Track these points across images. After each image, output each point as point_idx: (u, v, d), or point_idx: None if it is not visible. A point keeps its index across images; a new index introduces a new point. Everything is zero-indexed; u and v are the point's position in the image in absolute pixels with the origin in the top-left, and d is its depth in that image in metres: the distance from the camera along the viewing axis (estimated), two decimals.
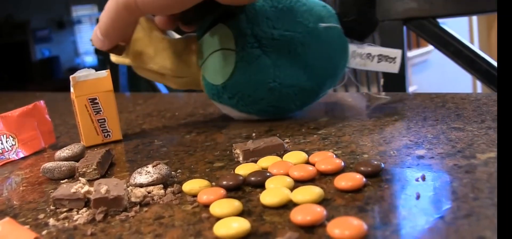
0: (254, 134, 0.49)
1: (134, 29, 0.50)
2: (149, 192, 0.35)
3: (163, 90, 1.07)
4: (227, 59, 0.51)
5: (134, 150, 0.49)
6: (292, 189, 0.32)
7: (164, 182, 0.37)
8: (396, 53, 0.53)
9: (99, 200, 0.33)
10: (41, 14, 4.52)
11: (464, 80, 2.82)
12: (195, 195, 0.34)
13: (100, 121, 0.52)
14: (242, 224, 0.28)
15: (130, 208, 0.33)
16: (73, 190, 0.35)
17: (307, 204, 0.29)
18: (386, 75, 0.84)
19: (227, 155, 0.43)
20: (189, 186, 0.35)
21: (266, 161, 0.38)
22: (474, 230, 0.25)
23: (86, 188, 0.35)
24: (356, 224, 0.26)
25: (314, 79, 0.52)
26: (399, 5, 0.82)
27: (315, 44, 0.51)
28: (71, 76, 0.51)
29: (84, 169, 0.41)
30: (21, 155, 0.51)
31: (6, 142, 0.51)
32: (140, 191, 0.35)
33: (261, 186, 0.34)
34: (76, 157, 0.46)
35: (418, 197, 0.30)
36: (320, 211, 0.28)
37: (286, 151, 0.42)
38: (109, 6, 0.46)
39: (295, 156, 0.39)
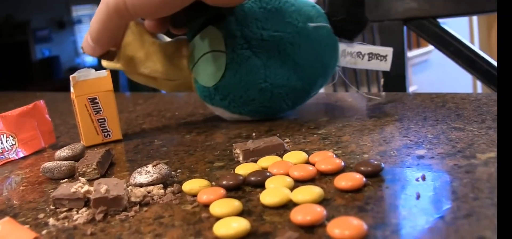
0: (254, 134, 0.49)
1: (124, 33, 0.51)
2: (149, 192, 0.35)
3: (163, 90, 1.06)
4: (217, 61, 0.51)
5: (134, 149, 0.49)
6: (292, 189, 0.32)
7: (164, 182, 0.37)
8: (387, 51, 0.53)
9: (99, 199, 0.33)
10: (41, 14, 4.52)
11: (464, 80, 2.82)
12: (195, 195, 0.34)
13: (100, 120, 0.52)
14: (242, 224, 0.28)
15: (130, 207, 0.33)
16: (73, 189, 0.35)
17: (307, 204, 0.29)
18: (386, 75, 0.84)
19: (227, 155, 0.43)
20: (189, 186, 0.35)
21: (266, 161, 0.38)
22: (474, 230, 0.25)
23: (86, 187, 0.35)
24: (356, 224, 0.26)
25: (305, 79, 0.52)
26: (399, 5, 0.82)
27: (305, 44, 0.52)
28: (71, 76, 0.51)
29: (84, 169, 0.41)
30: (21, 154, 0.51)
31: (6, 141, 0.51)
32: (140, 191, 0.35)
33: (261, 186, 0.34)
34: (76, 157, 0.46)
35: (418, 197, 0.30)
36: (320, 211, 0.28)
37: (286, 151, 0.42)
38: (99, 12, 0.46)
39: (295, 156, 0.38)
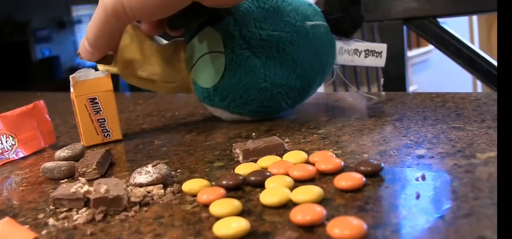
0: (254, 134, 0.49)
1: (121, 37, 0.50)
2: (149, 192, 0.35)
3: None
4: (216, 61, 0.51)
5: (134, 149, 0.49)
6: (292, 188, 0.32)
7: (164, 182, 0.37)
8: (382, 47, 0.53)
9: (98, 200, 0.33)
10: (41, 14, 4.52)
11: (464, 80, 2.82)
12: (195, 195, 0.34)
13: (100, 120, 0.52)
14: (242, 224, 0.28)
15: (129, 208, 0.33)
16: (72, 190, 0.35)
17: (307, 204, 0.29)
18: (386, 74, 0.84)
19: (227, 155, 0.43)
20: (189, 185, 0.35)
21: (266, 161, 0.38)
22: (474, 229, 0.25)
23: (86, 188, 0.35)
24: (356, 223, 0.26)
25: (304, 77, 0.53)
26: (399, 5, 0.82)
27: (303, 42, 0.52)
28: (71, 76, 0.51)
29: (84, 169, 0.41)
30: (21, 155, 0.51)
31: (6, 142, 0.51)
32: (139, 191, 0.35)
33: (261, 185, 0.34)
34: (76, 157, 0.45)
35: (418, 196, 0.30)
36: (320, 211, 0.28)
37: (286, 150, 0.42)
38: (97, 16, 0.46)
39: (295, 156, 0.38)
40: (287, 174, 0.35)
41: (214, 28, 0.51)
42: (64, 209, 0.34)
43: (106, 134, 0.52)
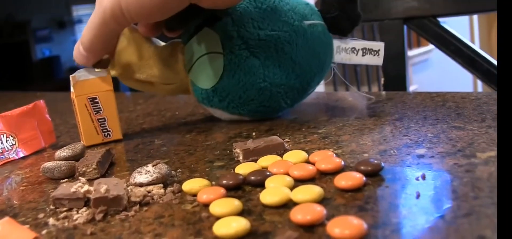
0: (254, 134, 0.49)
1: (117, 40, 0.50)
2: (149, 192, 0.35)
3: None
4: (215, 62, 0.51)
5: (134, 149, 0.49)
6: (292, 188, 0.32)
7: (164, 181, 0.37)
8: (379, 45, 0.54)
9: (99, 199, 0.33)
10: (42, 14, 4.52)
11: (464, 79, 2.82)
12: (195, 195, 0.34)
13: (100, 120, 0.51)
14: (242, 224, 0.28)
15: (130, 207, 0.33)
16: (73, 189, 0.35)
17: (307, 204, 0.29)
18: (387, 74, 0.84)
19: (227, 155, 0.43)
20: (189, 185, 0.35)
21: (266, 161, 0.38)
22: (474, 229, 0.25)
23: (86, 187, 0.35)
24: (356, 223, 0.26)
25: (303, 77, 0.53)
26: (399, 4, 0.82)
27: (301, 42, 0.52)
28: (71, 76, 0.51)
29: (84, 169, 0.41)
30: (21, 154, 0.51)
31: (6, 141, 0.51)
32: (140, 191, 0.35)
33: (261, 185, 0.34)
34: (76, 157, 0.45)
35: (418, 196, 0.30)
36: (320, 211, 0.28)
37: (286, 150, 0.42)
38: (94, 20, 0.46)
39: (295, 155, 0.38)
40: (287, 174, 0.35)
41: (212, 29, 0.51)
42: (64, 208, 0.34)
43: (106, 133, 0.52)
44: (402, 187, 0.32)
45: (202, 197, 0.32)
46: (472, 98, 0.52)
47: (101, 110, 0.51)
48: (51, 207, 0.35)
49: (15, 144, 0.51)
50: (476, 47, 0.79)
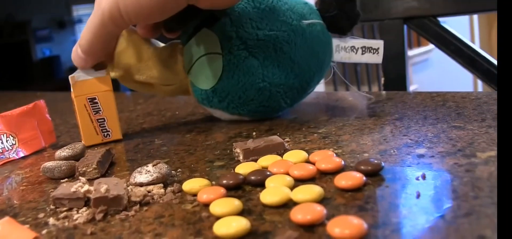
0: (254, 133, 0.49)
1: (116, 42, 0.50)
2: (149, 191, 0.35)
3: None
4: (214, 63, 0.51)
5: (135, 149, 0.49)
6: (292, 188, 0.32)
7: (164, 181, 0.37)
8: (378, 43, 0.54)
9: (99, 199, 0.33)
10: (42, 13, 4.52)
11: (464, 79, 2.82)
12: (195, 194, 0.34)
13: (99, 120, 0.51)
14: (242, 223, 0.28)
15: (130, 207, 0.33)
16: (73, 189, 0.35)
17: (307, 203, 0.29)
18: (387, 74, 0.84)
19: (227, 154, 0.43)
20: (189, 185, 0.35)
21: (266, 160, 0.38)
22: (474, 229, 0.25)
23: (86, 187, 0.35)
24: (356, 223, 0.26)
25: (302, 76, 0.53)
26: (399, 4, 0.82)
27: (300, 41, 0.52)
28: (70, 76, 0.51)
29: (84, 169, 0.41)
30: (21, 154, 0.51)
31: (6, 141, 0.51)
32: (140, 190, 0.35)
33: (261, 185, 0.34)
34: (76, 157, 0.45)
35: (418, 196, 0.30)
36: (320, 210, 0.28)
37: (286, 150, 0.42)
38: (92, 22, 0.46)
39: (295, 155, 0.38)
40: (288, 174, 0.35)
41: (211, 30, 0.51)
42: (65, 208, 0.34)
43: (105, 134, 0.52)
44: (402, 186, 0.32)
45: (202, 197, 0.32)
46: (472, 98, 0.52)
47: (100, 110, 0.51)
48: (51, 207, 0.35)
49: (15, 144, 0.51)
50: (476, 46, 0.79)
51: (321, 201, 0.30)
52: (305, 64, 0.52)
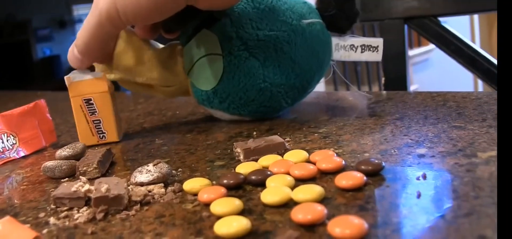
0: (255, 133, 0.49)
1: (115, 43, 0.50)
2: (149, 191, 0.35)
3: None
4: (215, 64, 0.51)
5: (135, 149, 0.49)
6: (292, 188, 0.32)
7: (165, 181, 0.37)
8: (378, 41, 0.54)
9: (99, 199, 0.33)
10: (42, 13, 4.52)
11: (465, 79, 2.82)
12: (195, 194, 0.34)
13: (95, 122, 0.51)
14: (243, 223, 0.28)
15: (130, 207, 0.33)
16: (73, 189, 0.35)
17: (307, 203, 0.29)
18: (387, 73, 0.84)
19: (228, 154, 0.43)
20: (190, 185, 0.35)
21: (267, 160, 0.38)
22: (475, 229, 0.25)
23: (87, 187, 0.35)
24: (357, 223, 0.26)
25: (303, 76, 0.53)
26: (400, 4, 0.82)
27: (300, 41, 0.52)
28: (66, 77, 0.50)
29: (84, 168, 0.41)
30: (22, 154, 0.51)
31: (7, 141, 0.51)
32: (140, 190, 0.35)
33: (261, 185, 0.34)
34: (77, 156, 0.45)
35: (419, 195, 0.30)
36: (320, 210, 0.28)
37: (286, 149, 0.42)
38: (89, 22, 0.46)
39: (295, 155, 0.38)
40: (288, 173, 0.35)
41: (210, 30, 0.51)
42: (65, 208, 0.34)
43: (101, 135, 0.52)
44: (402, 186, 0.32)
45: (203, 197, 0.32)
46: (473, 98, 0.52)
47: (96, 111, 0.51)
48: (52, 206, 0.35)
49: (15, 143, 0.51)
50: (476, 46, 0.79)
51: (322, 201, 0.31)
52: (306, 64, 0.52)
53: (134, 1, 0.43)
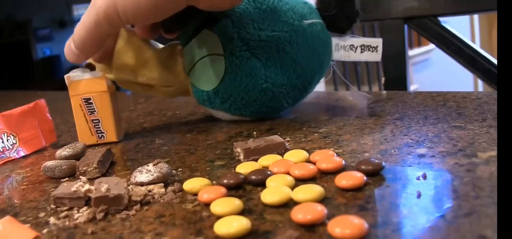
0: (255, 133, 0.49)
1: (115, 42, 0.50)
2: (149, 191, 0.35)
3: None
4: (216, 64, 0.51)
5: (135, 148, 0.49)
6: (293, 187, 0.32)
7: (165, 180, 0.37)
8: (377, 41, 0.54)
9: (99, 198, 0.33)
10: (42, 13, 4.52)
11: (465, 79, 2.82)
12: (196, 194, 0.34)
13: (94, 121, 0.51)
14: (243, 223, 0.28)
15: (130, 206, 0.33)
16: (73, 188, 0.35)
17: (307, 203, 0.29)
18: (387, 73, 0.84)
19: (228, 154, 0.43)
20: (190, 184, 0.35)
21: (267, 160, 0.38)
22: (475, 228, 0.25)
23: (87, 186, 0.35)
24: (357, 222, 0.26)
25: (304, 76, 0.53)
26: (400, 4, 0.82)
27: (302, 41, 0.52)
28: (65, 76, 0.50)
29: (84, 168, 0.41)
30: (22, 153, 0.51)
31: (7, 140, 0.51)
32: (140, 190, 0.35)
33: (262, 184, 0.34)
34: (77, 156, 0.45)
35: (419, 195, 0.30)
36: (320, 210, 0.28)
37: (287, 149, 0.41)
38: (87, 18, 0.45)
39: (296, 155, 0.38)
40: (288, 173, 0.35)
41: (212, 31, 0.51)
42: (65, 208, 0.34)
43: (100, 135, 0.51)
44: (403, 186, 0.32)
45: (203, 197, 0.32)
46: (473, 98, 0.52)
47: (95, 111, 0.51)
48: (52, 206, 0.35)
49: (16, 143, 0.51)
50: (476, 46, 0.79)
51: (322, 200, 0.31)
52: (307, 64, 0.53)
53: (135, 1, 0.43)
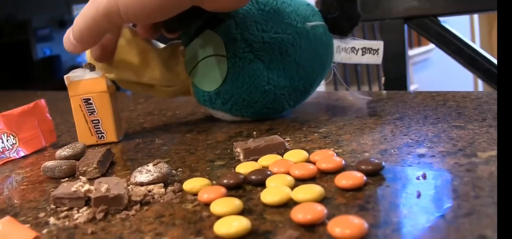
0: (255, 133, 0.49)
1: (117, 41, 0.50)
2: (149, 191, 0.35)
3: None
4: (218, 65, 0.51)
5: (135, 148, 0.49)
6: (292, 187, 0.32)
7: (165, 180, 0.37)
8: (378, 44, 0.54)
9: (99, 198, 0.33)
10: (42, 13, 4.52)
11: (465, 79, 2.82)
12: (195, 194, 0.34)
13: (94, 121, 0.51)
14: (243, 223, 0.28)
15: (130, 206, 0.33)
16: (73, 188, 0.35)
17: (307, 203, 0.29)
18: (387, 73, 0.84)
19: (227, 154, 0.43)
20: (190, 184, 0.35)
21: (266, 160, 0.38)
22: (475, 228, 0.25)
23: (87, 186, 0.35)
24: (357, 222, 0.26)
25: (306, 78, 0.53)
26: (400, 4, 0.82)
27: (304, 43, 0.52)
28: (65, 76, 0.50)
29: (84, 168, 0.41)
30: (22, 153, 0.51)
31: (7, 140, 0.51)
32: (140, 190, 0.35)
33: (261, 184, 0.34)
34: (77, 156, 0.45)
35: (419, 195, 0.30)
36: (320, 210, 0.28)
37: (286, 149, 0.41)
38: (87, 12, 0.45)
39: (295, 155, 0.38)
40: (288, 173, 0.35)
41: (214, 31, 0.51)
42: (65, 208, 0.34)
43: (100, 135, 0.51)
44: (402, 186, 0.32)
45: (203, 197, 0.32)
46: (473, 98, 0.52)
47: (95, 111, 0.51)
48: (52, 206, 0.35)
49: (15, 143, 0.51)
50: (476, 46, 0.79)
51: (322, 200, 0.30)
52: (309, 67, 0.53)
53: (139, 0, 0.42)
